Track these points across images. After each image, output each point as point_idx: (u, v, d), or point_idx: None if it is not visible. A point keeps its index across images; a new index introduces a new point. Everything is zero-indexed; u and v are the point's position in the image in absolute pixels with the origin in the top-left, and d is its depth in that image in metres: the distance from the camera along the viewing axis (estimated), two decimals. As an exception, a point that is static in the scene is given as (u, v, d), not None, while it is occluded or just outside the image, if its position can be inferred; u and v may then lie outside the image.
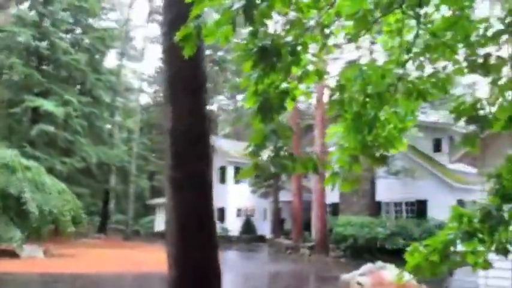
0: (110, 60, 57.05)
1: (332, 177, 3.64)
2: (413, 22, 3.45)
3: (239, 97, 45.86)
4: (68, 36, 25.36)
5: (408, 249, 3.18)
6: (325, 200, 21.65)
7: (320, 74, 3.37)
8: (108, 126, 32.71)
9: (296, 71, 3.25)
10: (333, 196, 22.08)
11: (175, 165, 5.10)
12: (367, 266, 10.21)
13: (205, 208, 5.23)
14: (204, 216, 5.08)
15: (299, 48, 3.04)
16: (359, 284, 9.71)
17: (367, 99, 3.32)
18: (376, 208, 22.71)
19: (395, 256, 19.86)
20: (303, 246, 20.87)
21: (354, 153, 3.50)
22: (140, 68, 35.02)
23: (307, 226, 24.21)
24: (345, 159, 3.55)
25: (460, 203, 22.87)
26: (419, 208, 22.40)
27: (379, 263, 10.57)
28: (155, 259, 17.88)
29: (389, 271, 9.88)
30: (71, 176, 22.94)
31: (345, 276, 10.22)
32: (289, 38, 2.98)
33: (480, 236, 3.02)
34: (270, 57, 2.87)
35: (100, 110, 25.49)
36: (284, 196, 28.44)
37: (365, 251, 19.97)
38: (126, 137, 34.75)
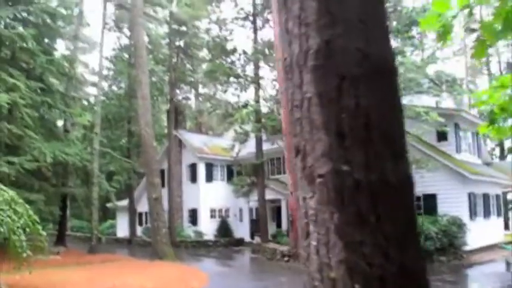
0: (61, 50, 51.85)
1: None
2: None
3: (201, 90, 42.50)
4: (10, 7, 20.32)
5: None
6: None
7: None
8: (61, 121, 28.50)
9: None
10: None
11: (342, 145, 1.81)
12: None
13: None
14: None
15: None
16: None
17: None
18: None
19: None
20: (305, 252, 17.82)
21: None
22: (92, 60, 30.51)
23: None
24: None
25: (471, 196, 20.73)
26: (427, 203, 20.06)
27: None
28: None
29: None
30: (20, 179, 18.59)
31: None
32: None
33: None
34: None
35: (53, 100, 21.10)
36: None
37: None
38: (83, 134, 30.47)
